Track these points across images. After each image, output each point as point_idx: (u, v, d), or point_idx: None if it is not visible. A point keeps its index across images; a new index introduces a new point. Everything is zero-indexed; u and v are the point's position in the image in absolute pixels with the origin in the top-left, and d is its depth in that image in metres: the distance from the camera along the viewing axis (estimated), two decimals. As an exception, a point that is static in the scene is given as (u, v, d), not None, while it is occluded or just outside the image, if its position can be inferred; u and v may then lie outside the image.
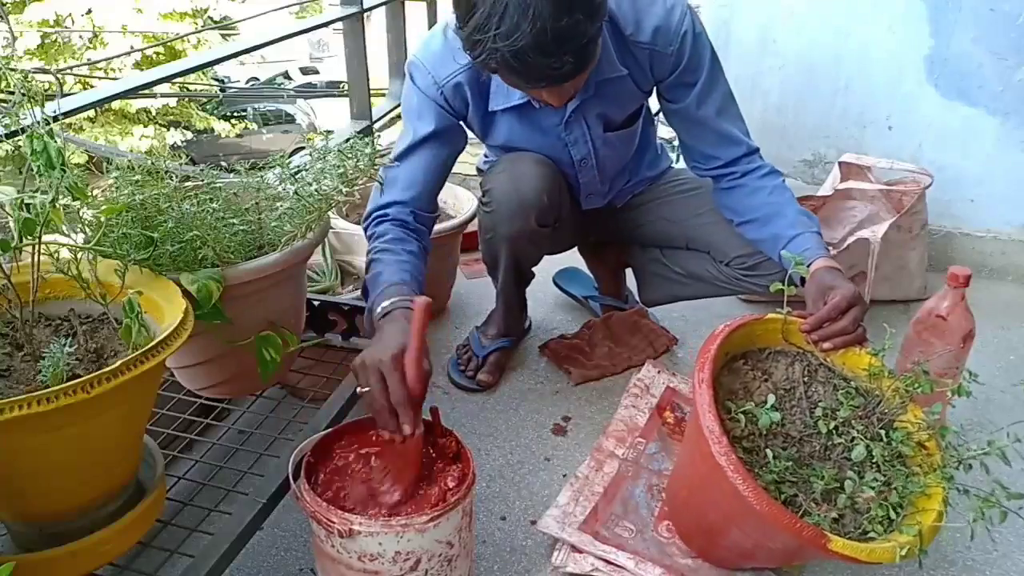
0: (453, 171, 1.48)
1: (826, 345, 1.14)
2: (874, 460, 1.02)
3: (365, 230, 1.35)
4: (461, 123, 1.42)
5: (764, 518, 0.93)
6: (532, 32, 1.00)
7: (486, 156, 1.66)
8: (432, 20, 2.81)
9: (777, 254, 1.36)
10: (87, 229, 0.98)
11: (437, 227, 1.54)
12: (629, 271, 1.87)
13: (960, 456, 1.01)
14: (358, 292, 1.62)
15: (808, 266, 1.24)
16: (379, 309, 1.14)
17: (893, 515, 0.99)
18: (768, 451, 1.00)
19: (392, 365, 0.99)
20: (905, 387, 1.08)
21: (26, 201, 0.85)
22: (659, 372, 1.66)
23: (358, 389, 1.03)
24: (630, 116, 1.46)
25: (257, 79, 14.06)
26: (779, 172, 1.44)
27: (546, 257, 1.66)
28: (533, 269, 1.66)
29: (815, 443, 1.04)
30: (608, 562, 1.22)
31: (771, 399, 1.04)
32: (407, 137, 1.39)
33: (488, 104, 1.38)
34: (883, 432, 1.05)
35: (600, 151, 1.48)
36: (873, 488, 0.99)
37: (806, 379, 1.11)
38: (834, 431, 1.04)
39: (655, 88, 1.41)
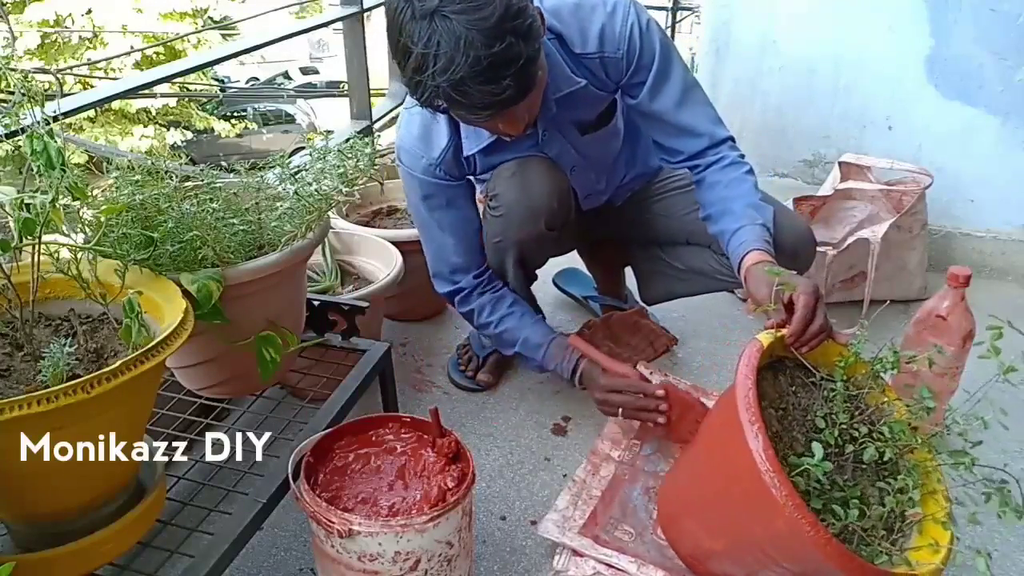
0: None
1: (805, 349, 1.12)
2: (886, 460, 1.01)
3: (452, 304, 1.54)
4: (465, 180, 1.46)
5: None
6: (467, 63, 1.02)
7: None
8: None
9: (727, 250, 1.34)
10: (87, 229, 0.98)
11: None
12: (628, 271, 1.87)
13: (951, 431, 1.02)
14: (358, 292, 1.63)
15: (742, 260, 1.26)
16: (560, 369, 1.48)
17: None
18: (835, 507, 0.97)
19: (610, 385, 1.39)
20: (876, 369, 1.09)
21: (26, 201, 0.85)
22: (651, 373, 1.65)
23: (621, 419, 1.41)
24: (602, 115, 1.44)
25: (257, 79, 14.04)
26: (742, 163, 1.39)
27: (546, 258, 1.66)
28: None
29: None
30: (610, 566, 1.22)
31: (818, 449, 0.96)
32: (424, 215, 1.46)
33: (463, 150, 1.39)
34: (886, 429, 1.04)
35: (586, 154, 1.47)
36: (915, 502, 0.99)
37: (792, 388, 1.10)
38: (840, 439, 1.03)
39: (618, 89, 1.39)
